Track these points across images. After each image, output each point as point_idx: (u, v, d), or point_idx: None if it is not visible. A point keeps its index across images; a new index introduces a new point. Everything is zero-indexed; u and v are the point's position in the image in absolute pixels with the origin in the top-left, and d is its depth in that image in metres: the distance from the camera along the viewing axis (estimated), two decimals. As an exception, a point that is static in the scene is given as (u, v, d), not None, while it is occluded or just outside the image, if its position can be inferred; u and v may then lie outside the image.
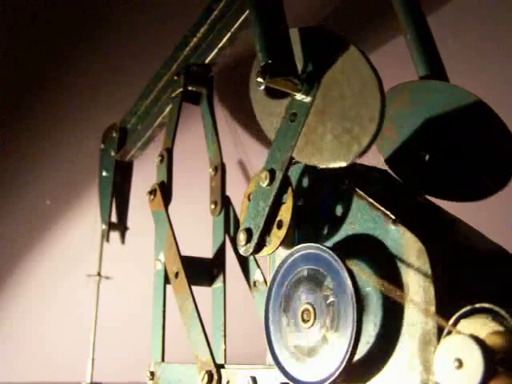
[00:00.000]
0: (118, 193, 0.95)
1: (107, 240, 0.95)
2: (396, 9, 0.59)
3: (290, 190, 0.46)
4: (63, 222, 1.28)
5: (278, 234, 0.48)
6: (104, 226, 0.94)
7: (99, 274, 0.96)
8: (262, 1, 0.47)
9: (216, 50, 0.73)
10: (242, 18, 0.67)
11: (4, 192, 1.39)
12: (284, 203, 0.46)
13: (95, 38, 1.22)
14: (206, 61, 0.75)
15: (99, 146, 0.97)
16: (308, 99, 0.44)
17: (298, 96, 0.45)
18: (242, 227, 0.48)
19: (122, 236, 0.97)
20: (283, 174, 0.46)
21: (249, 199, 0.51)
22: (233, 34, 0.70)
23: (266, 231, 0.47)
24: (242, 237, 0.48)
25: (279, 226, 0.48)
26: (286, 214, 0.46)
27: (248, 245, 0.48)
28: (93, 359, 0.91)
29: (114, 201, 0.94)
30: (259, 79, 0.44)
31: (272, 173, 0.46)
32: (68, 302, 1.25)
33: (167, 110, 0.78)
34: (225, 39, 0.71)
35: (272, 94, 0.48)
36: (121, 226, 0.96)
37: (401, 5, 0.58)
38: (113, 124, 0.95)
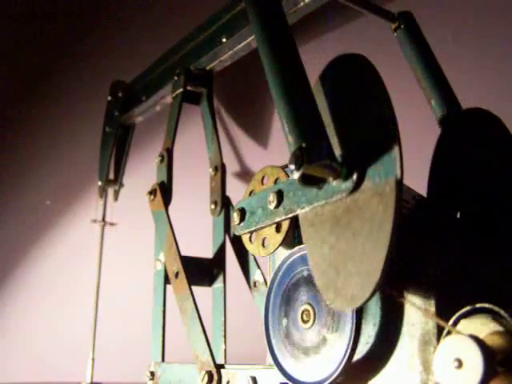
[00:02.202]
0: (118, 151, 0.96)
1: (101, 196, 0.97)
2: (404, 50, 0.59)
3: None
4: (63, 221, 1.28)
5: (276, 238, 0.48)
6: (100, 183, 0.95)
7: (104, 220, 0.97)
8: (289, 78, 0.41)
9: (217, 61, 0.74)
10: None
11: (4, 192, 1.39)
12: None
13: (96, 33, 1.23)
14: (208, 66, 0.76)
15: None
16: (347, 185, 0.39)
17: (335, 182, 0.40)
18: (236, 207, 0.48)
19: (117, 193, 0.98)
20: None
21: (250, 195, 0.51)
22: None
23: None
24: (235, 216, 0.48)
25: (278, 230, 0.48)
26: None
27: (242, 224, 0.48)
28: (93, 359, 0.92)
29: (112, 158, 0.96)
30: (292, 166, 0.38)
31: (280, 194, 0.45)
32: (68, 302, 1.25)
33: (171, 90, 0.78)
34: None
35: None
36: (117, 183, 0.97)
37: (409, 44, 0.59)
38: (121, 81, 0.95)
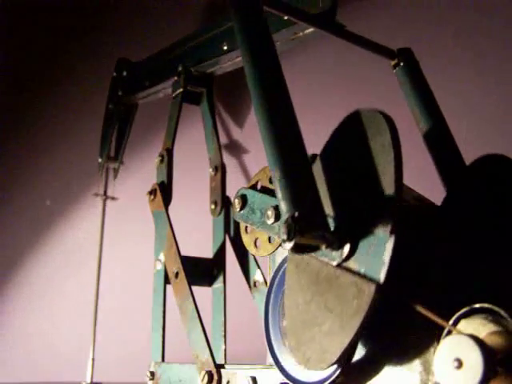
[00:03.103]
0: (120, 129, 0.96)
1: (100, 173, 0.97)
2: (403, 88, 0.59)
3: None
4: (63, 221, 1.28)
5: (276, 239, 0.48)
6: (100, 160, 0.96)
7: (105, 194, 0.98)
8: (285, 144, 0.40)
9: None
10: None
11: (4, 192, 1.38)
12: None
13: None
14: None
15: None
16: (336, 256, 0.39)
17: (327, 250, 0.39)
18: (239, 193, 0.48)
19: (116, 170, 0.98)
20: None
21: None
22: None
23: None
24: (237, 202, 0.48)
25: (270, 241, 0.49)
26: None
27: (241, 212, 0.48)
28: (93, 359, 0.91)
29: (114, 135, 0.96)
30: (284, 236, 0.37)
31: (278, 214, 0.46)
32: (68, 301, 1.25)
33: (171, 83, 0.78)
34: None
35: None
36: (117, 161, 0.97)
37: (408, 83, 0.58)
38: (127, 60, 0.94)
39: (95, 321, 0.93)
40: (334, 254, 0.39)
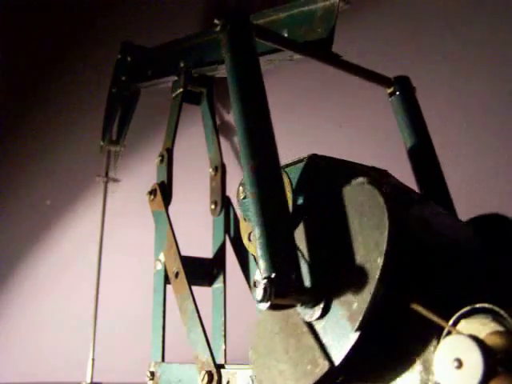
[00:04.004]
0: (123, 112, 0.96)
1: (101, 157, 0.98)
2: (397, 118, 0.58)
3: (289, 191, 0.46)
4: (63, 221, 1.28)
5: None
6: (102, 143, 0.96)
7: (107, 175, 0.99)
8: (267, 204, 0.40)
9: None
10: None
11: (4, 192, 1.38)
12: None
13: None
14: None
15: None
16: (307, 314, 0.40)
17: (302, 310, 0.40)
18: (242, 181, 0.49)
19: (117, 154, 0.99)
20: None
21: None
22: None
23: None
24: (241, 189, 0.49)
25: None
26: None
27: (245, 201, 0.48)
28: (93, 359, 0.91)
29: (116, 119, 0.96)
30: (259, 297, 0.38)
31: None
32: (68, 301, 1.25)
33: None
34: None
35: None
36: (118, 145, 0.98)
37: (402, 113, 0.58)
38: (131, 43, 0.94)
39: (95, 321, 0.93)
40: (306, 312, 0.40)
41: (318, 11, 0.55)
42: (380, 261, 0.36)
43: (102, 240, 0.97)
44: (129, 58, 0.93)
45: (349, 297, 0.37)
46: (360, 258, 0.38)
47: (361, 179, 0.40)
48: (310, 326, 0.39)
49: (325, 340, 0.38)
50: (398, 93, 0.58)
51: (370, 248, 0.37)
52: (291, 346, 0.40)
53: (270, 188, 0.41)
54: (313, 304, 0.39)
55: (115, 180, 1.00)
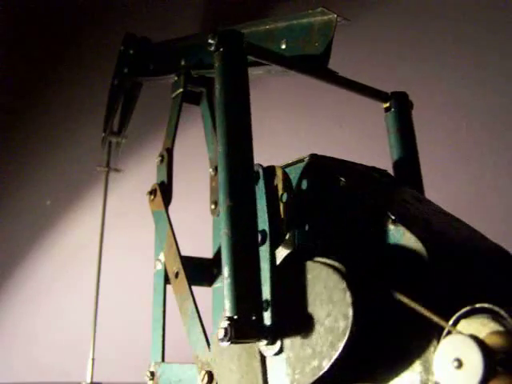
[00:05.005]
0: (125, 104, 0.96)
1: (102, 148, 0.97)
2: (389, 135, 0.58)
3: (289, 190, 0.46)
4: (63, 221, 1.28)
5: None
6: (103, 133, 0.96)
7: (108, 165, 0.98)
8: (239, 244, 0.42)
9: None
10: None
11: (4, 192, 1.38)
12: (283, 202, 0.47)
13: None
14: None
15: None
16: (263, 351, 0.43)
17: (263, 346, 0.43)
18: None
19: (119, 145, 0.99)
20: None
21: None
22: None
23: None
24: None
25: None
26: (284, 213, 0.46)
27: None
28: (93, 359, 0.91)
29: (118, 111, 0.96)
30: (220, 336, 0.40)
31: None
32: (68, 301, 1.25)
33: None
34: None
35: None
36: (120, 136, 0.98)
37: (396, 131, 0.57)
38: (134, 35, 0.94)
39: (95, 321, 0.93)
40: (263, 347, 0.43)
41: (317, 25, 0.55)
42: (340, 335, 0.39)
43: (102, 240, 0.97)
44: (131, 51, 0.93)
45: (304, 350, 0.40)
46: (319, 319, 0.40)
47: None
48: (263, 358, 0.43)
49: (269, 376, 0.42)
50: (393, 109, 0.58)
51: (332, 320, 0.40)
52: (243, 367, 0.44)
53: (243, 231, 0.42)
54: (271, 341, 0.42)
55: (117, 170, 1.00)
